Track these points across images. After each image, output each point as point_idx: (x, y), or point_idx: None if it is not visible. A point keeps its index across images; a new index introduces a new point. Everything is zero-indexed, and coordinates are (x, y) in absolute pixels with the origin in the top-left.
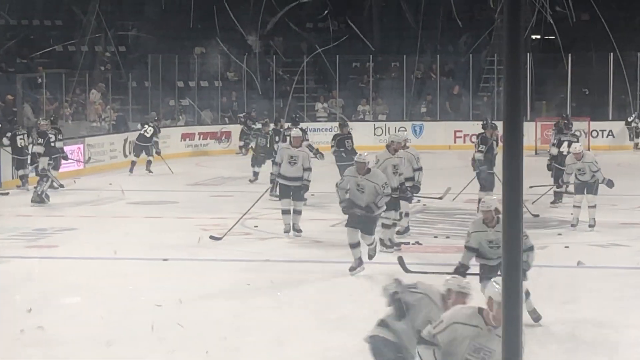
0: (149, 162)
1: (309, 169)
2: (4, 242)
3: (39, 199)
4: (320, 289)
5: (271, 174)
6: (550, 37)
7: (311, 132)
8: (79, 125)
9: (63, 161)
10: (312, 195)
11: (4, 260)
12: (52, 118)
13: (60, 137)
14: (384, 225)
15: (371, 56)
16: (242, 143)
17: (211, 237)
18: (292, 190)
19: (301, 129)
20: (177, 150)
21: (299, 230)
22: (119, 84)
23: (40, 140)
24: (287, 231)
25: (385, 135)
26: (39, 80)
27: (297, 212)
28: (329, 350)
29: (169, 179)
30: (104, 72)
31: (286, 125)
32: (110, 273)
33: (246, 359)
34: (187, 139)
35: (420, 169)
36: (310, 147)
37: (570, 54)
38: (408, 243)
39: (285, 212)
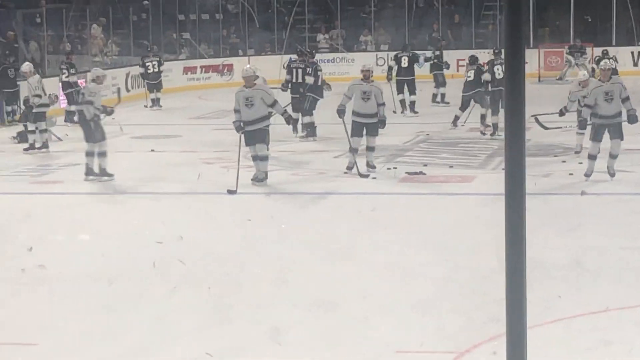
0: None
1: (383, 104)
2: (6, 178)
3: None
4: (323, 221)
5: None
6: None
7: None
8: (80, 60)
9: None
10: (315, 127)
11: (6, 196)
12: (67, 52)
13: (73, 71)
14: (368, 148)
15: None
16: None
17: (229, 191)
18: (366, 126)
19: (315, 61)
20: (179, 84)
21: (373, 167)
22: (120, 18)
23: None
24: (350, 168)
25: (388, 65)
26: (38, 18)
27: (371, 149)
28: (334, 282)
29: (172, 113)
30: (104, 6)
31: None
32: (112, 209)
33: (250, 293)
34: (189, 73)
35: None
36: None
37: None
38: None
39: (354, 150)
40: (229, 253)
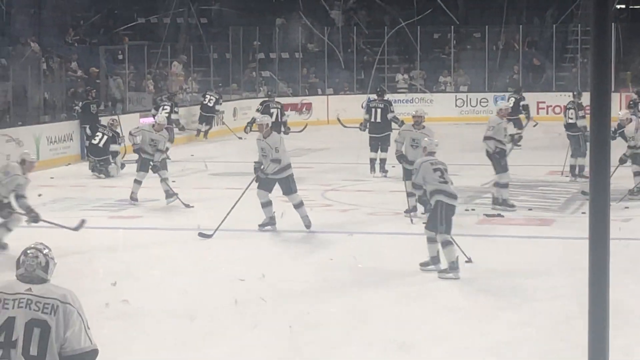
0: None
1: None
2: (87, 213)
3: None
4: (399, 261)
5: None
6: (635, 7)
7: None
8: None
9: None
10: (393, 167)
11: (87, 231)
12: (168, 92)
13: (176, 109)
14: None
15: (452, 27)
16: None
17: (200, 235)
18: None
19: (387, 100)
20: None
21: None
22: (201, 56)
23: (119, 140)
24: (408, 211)
25: (467, 106)
26: (120, 55)
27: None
28: (410, 323)
29: (252, 150)
30: (186, 44)
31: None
32: (192, 245)
33: (327, 333)
34: None
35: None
36: (395, 118)
37: None
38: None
39: (410, 194)
40: (308, 292)
